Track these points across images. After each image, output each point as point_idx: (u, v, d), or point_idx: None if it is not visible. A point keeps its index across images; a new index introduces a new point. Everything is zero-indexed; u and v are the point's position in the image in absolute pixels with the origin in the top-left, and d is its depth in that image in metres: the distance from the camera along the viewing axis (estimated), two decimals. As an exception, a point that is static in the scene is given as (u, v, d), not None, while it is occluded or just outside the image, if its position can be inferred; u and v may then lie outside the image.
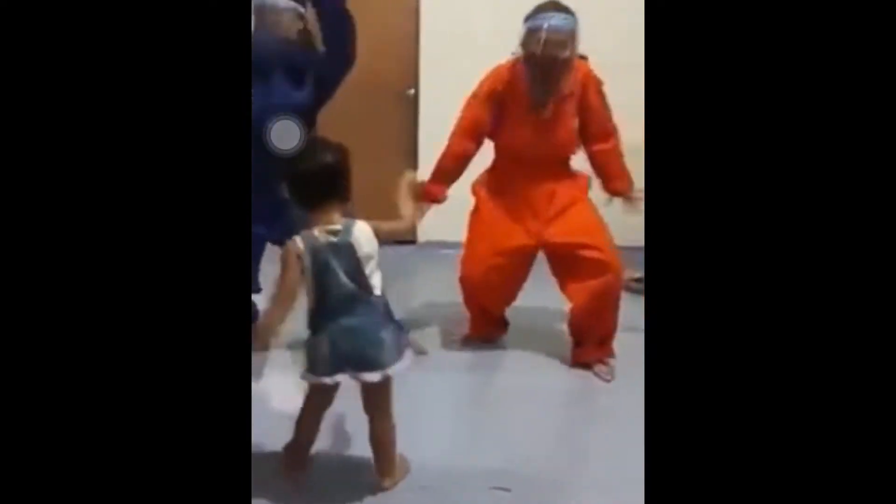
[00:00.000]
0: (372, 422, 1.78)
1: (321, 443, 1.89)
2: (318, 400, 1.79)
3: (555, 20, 2.35)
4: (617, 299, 2.55)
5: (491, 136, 2.63)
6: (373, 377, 1.67)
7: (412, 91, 4.34)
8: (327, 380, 1.68)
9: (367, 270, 1.65)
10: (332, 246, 1.63)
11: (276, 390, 2.32)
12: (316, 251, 1.64)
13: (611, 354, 2.65)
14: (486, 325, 2.84)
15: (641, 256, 3.13)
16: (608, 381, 2.56)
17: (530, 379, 2.60)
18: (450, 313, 2.99)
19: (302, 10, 2.40)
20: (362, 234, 1.66)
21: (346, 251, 1.63)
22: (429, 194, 2.60)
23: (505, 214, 2.61)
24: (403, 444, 1.86)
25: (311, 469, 1.85)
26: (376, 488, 1.80)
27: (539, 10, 2.41)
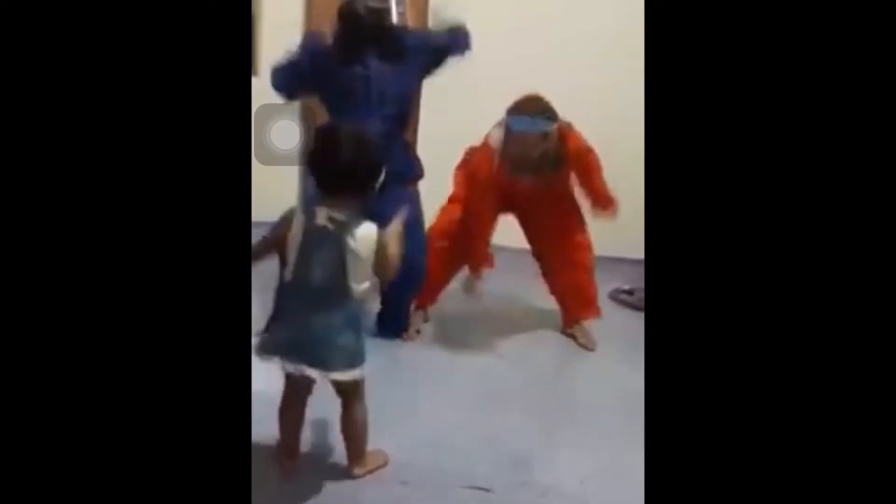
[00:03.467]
0: (342, 409, 1.77)
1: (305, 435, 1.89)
2: (295, 390, 1.76)
3: (523, 124, 2.42)
4: (589, 270, 2.78)
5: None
6: (313, 373, 1.64)
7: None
8: (267, 360, 1.64)
9: (350, 272, 1.60)
10: (326, 234, 1.59)
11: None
12: (309, 232, 1.60)
13: (597, 314, 2.88)
14: (437, 289, 2.87)
15: (631, 269, 3.23)
16: (592, 349, 2.83)
17: (512, 375, 2.66)
18: (454, 309, 3.01)
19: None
20: (363, 238, 1.60)
21: (337, 246, 1.59)
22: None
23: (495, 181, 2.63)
24: (385, 439, 1.87)
25: (298, 463, 1.84)
26: (346, 476, 1.80)
27: (516, 109, 2.46)
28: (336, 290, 1.61)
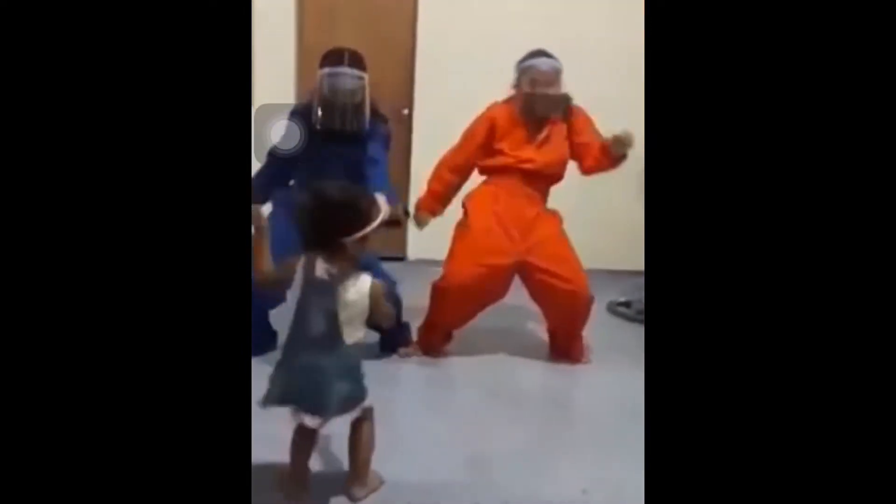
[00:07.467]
0: (351, 430, 1.79)
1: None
2: (303, 437, 1.77)
3: (543, 63, 2.75)
4: (586, 317, 2.85)
5: (484, 160, 2.88)
6: (312, 422, 1.67)
7: (406, 111, 4.37)
8: (269, 407, 1.67)
9: (343, 322, 1.64)
10: (322, 285, 1.64)
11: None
12: (307, 282, 1.66)
13: (583, 349, 2.96)
14: (438, 338, 2.90)
15: (628, 281, 3.25)
16: (588, 362, 2.91)
17: (511, 388, 2.67)
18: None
19: (365, 77, 2.58)
20: (357, 290, 1.65)
21: (331, 297, 1.63)
22: (426, 207, 2.89)
23: (491, 232, 2.77)
24: (385, 461, 1.85)
25: (307, 493, 1.81)
26: (347, 497, 1.79)
27: (529, 56, 2.80)
28: (330, 340, 1.65)
